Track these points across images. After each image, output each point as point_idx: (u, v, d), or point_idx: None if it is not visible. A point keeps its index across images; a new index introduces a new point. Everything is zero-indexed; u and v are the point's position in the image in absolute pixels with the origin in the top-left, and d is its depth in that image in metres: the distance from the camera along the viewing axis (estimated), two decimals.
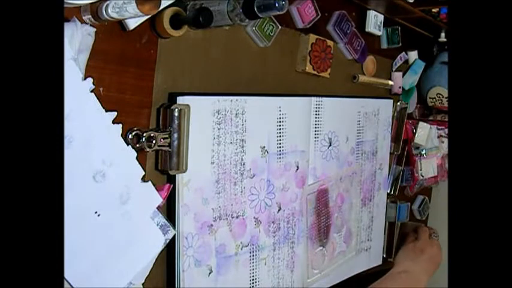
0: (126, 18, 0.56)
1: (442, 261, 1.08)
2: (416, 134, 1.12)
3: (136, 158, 0.59)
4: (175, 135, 0.64)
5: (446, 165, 1.24)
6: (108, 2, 0.52)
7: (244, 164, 0.73)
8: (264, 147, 0.76)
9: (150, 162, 0.65)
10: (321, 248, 0.92)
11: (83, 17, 0.55)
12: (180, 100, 0.64)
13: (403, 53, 1.10)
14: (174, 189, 0.65)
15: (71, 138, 0.52)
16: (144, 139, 0.61)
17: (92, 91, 0.54)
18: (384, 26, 0.99)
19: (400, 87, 1.08)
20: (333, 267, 0.95)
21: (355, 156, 0.96)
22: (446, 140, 1.22)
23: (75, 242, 0.53)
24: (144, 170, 0.60)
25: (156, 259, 0.63)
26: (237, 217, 0.73)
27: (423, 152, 1.16)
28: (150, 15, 0.56)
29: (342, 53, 0.94)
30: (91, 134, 0.54)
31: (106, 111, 0.55)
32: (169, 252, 0.67)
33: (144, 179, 0.60)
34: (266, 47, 0.77)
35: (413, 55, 1.13)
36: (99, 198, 0.55)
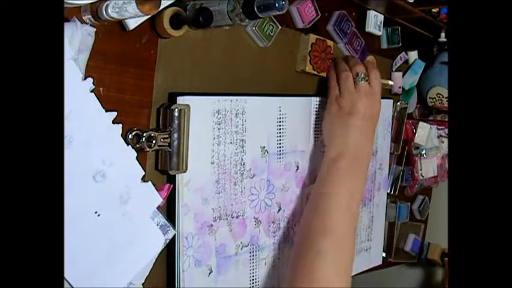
0: (126, 18, 0.56)
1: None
2: (416, 134, 1.12)
3: (137, 158, 0.59)
4: (175, 135, 0.64)
5: (446, 165, 1.24)
6: (108, 2, 0.52)
7: (244, 164, 0.73)
8: (264, 147, 0.76)
9: (150, 162, 0.65)
10: None
11: (83, 17, 0.55)
12: (180, 100, 0.64)
13: (403, 53, 1.10)
14: (174, 189, 0.65)
15: (71, 138, 0.52)
16: (144, 139, 0.61)
17: (92, 91, 0.54)
18: (384, 26, 0.99)
19: (400, 87, 1.08)
20: None
21: None
22: (446, 140, 1.22)
23: (75, 242, 0.53)
24: (144, 170, 0.60)
25: (156, 259, 0.63)
26: (237, 217, 0.73)
27: (423, 152, 1.16)
28: (150, 15, 0.56)
29: (342, 53, 0.94)
30: (91, 134, 0.54)
31: (106, 111, 0.55)
32: (169, 252, 0.67)
33: (144, 179, 0.60)
34: (266, 47, 0.77)
35: (413, 55, 1.12)
36: (99, 198, 0.55)
